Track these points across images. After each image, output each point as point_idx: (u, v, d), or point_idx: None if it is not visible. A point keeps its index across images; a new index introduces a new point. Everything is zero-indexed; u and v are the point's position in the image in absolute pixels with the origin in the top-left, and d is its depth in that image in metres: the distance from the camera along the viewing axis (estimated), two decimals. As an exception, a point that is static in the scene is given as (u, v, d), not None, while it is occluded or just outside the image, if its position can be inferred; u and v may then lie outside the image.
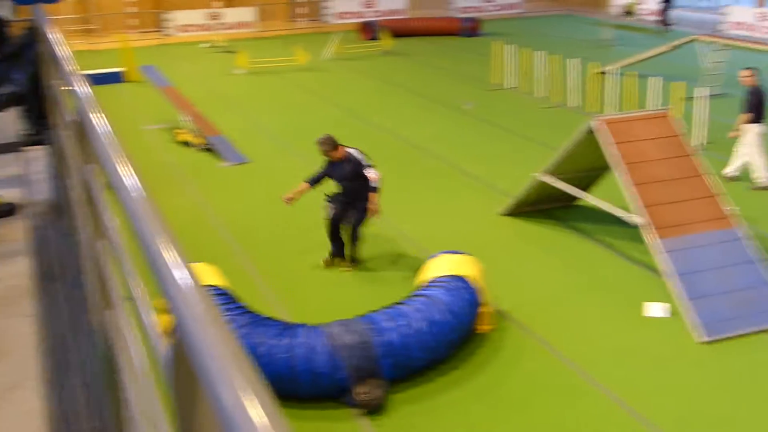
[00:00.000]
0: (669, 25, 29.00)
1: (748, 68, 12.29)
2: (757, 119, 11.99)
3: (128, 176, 1.66)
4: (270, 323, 7.27)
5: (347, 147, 9.52)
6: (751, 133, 12.04)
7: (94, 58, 26.67)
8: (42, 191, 5.90)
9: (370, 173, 9.36)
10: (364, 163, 9.41)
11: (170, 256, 1.27)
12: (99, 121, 2.25)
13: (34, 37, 6.35)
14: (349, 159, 9.41)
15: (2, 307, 4.02)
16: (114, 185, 1.76)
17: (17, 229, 5.26)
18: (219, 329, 1.07)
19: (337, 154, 9.40)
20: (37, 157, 6.42)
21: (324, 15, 32.23)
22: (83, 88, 2.75)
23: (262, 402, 0.94)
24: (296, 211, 11.70)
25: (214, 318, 1.08)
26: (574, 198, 11.14)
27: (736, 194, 10.98)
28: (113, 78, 22.37)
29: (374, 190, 9.40)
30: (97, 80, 21.98)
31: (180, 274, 1.20)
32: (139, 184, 1.59)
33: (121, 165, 1.76)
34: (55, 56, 3.70)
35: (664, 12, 29.32)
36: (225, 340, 1.04)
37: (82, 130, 2.76)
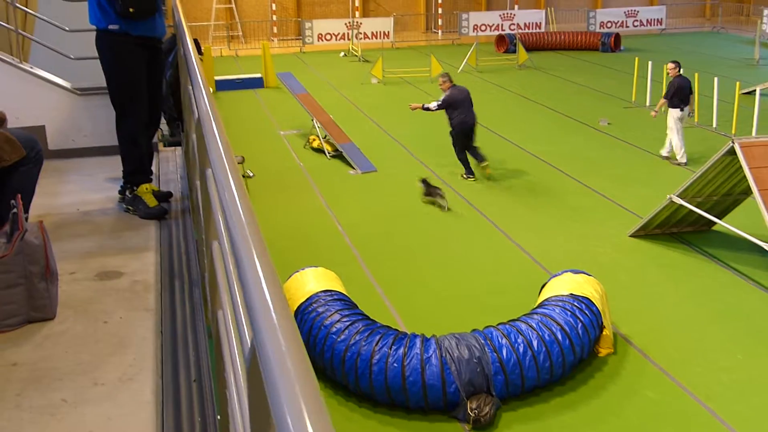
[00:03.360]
0: None
1: (673, 61, 14.73)
2: (675, 105, 14.12)
3: (231, 185, 1.71)
4: (385, 332, 7.31)
5: (455, 86, 13.59)
6: (670, 117, 14.27)
7: (237, 63, 27.70)
8: (174, 190, 6.18)
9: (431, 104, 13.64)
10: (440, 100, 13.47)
11: (256, 271, 1.29)
12: (214, 128, 2.32)
13: (175, 42, 6.66)
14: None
15: (128, 301, 4.22)
16: (219, 190, 1.82)
17: (150, 225, 5.52)
18: (291, 350, 1.07)
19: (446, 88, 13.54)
20: (172, 157, 6.71)
21: (460, 27, 32.23)
22: (205, 94, 2.85)
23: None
24: (419, 222, 11.76)
25: (288, 341, 1.08)
26: (711, 222, 10.68)
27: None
28: (254, 83, 23.17)
29: (426, 108, 13.69)
30: (239, 85, 22.89)
31: (260, 290, 1.22)
32: (239, 193, 1.64)
33: (226, 173, 1.82)
34: (186, 61, 3.86)
35: None
36: (295, 361, 1.05)
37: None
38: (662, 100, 14.34)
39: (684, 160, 14.16)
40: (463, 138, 13.39)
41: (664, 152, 14.64)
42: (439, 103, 13.35)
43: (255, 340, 1.13)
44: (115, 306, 4.16)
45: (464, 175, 13.56)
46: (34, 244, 3.91)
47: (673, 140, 14.25)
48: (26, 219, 4.12)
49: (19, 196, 4.00)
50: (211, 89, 17.75)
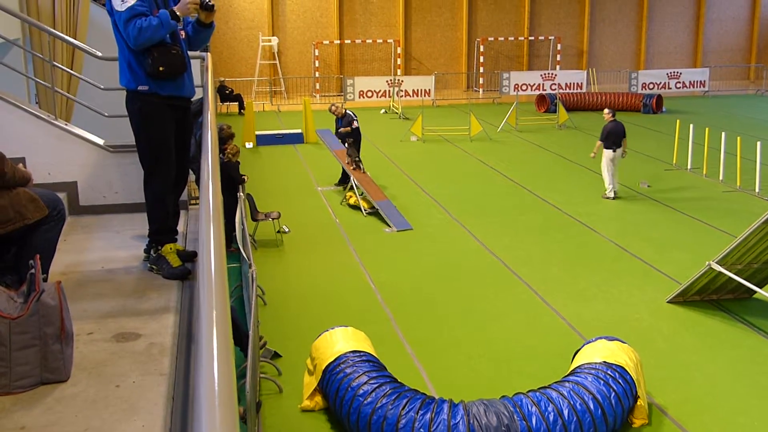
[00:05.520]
0: None
1: (609, 108, 16.61)
2: (608, 146, 15.97)
3: (207, 259, 1.66)
4: (413, 396, 7.17)
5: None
6: (604, 157, 16.10)
7: (279, 118, 28.05)
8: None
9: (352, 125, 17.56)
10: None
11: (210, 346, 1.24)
12: (208, 198, 2.29)
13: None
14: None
15: (143, 364, 4.16)
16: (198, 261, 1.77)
17: (172, 285, 5.49)
18: None
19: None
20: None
21: (502, 86, 32.35)
22: (207, 159, 2.83)
23: None
24: (453, 282, 11.63)
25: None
26: (752, 290, 10.39)
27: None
28: (294, 138, 23.43)
29: (347, 133, 17.39)
30: (280, 140, 23.14)
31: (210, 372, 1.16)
32: (214, 267, 1.59)
33: (207, 249, 1.77)
34: (202, 141, 3.86)
35: None
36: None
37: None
38: (598, 143, 16.17)
39: (612, 195, 16.17)
40: (357, 146, 17.22)
41: (607, 193, 16.29)
42: (357, 126, 17.40)
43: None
44: (130, 369, 4.10)
45: (354, 164, 16.65)
46: (50, 305, 3.89)
47: (605, 177, 16.21)
48: (45, 279, 4.11)
49: (38, 256, 3.99)
50: (252, 143, 18.37)
